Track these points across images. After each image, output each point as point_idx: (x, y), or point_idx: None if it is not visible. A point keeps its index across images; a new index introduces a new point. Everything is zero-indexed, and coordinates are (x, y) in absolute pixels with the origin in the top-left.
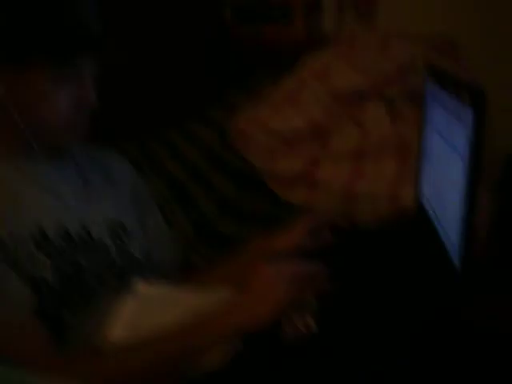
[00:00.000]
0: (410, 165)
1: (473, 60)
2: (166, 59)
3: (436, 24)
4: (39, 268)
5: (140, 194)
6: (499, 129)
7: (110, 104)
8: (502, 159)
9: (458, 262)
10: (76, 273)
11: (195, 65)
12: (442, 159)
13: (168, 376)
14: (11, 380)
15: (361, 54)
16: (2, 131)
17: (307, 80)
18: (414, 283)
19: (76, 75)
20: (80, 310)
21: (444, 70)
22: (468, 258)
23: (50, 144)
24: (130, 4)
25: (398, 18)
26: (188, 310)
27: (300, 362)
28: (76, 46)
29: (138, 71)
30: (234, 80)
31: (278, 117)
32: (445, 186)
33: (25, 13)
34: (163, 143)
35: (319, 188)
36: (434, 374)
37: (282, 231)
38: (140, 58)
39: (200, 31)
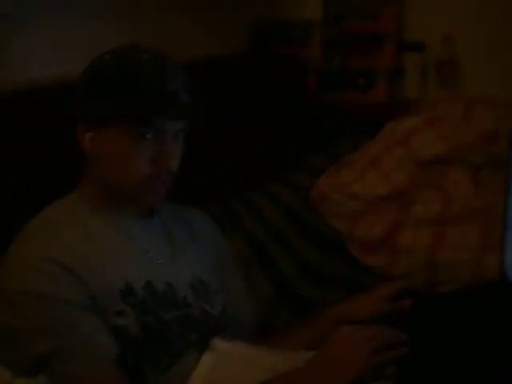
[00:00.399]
0: (494, 232)
1: None
2: (248, 122)
3: None
4: (124, 319)
5: (222, 251)
6: None
7: (193, 165)
8: None
9: None
10: (159, 327)
11: (277, 128)
12: None
13: None
14: None
15: (444, 121)
16: (92, 185)
17: (390, 146)
18: (495, 353)
19: (156, 136)
20: (160, 363)
21: None
22: None
23: (131, 199)
24: (217, 70)
25: (480, 83)
26: (264, 370)
27: None
28: (152, 109)
29: (221, 134)
30: (315, 144)
31: (361, 181)
32: None
33: (107, 76)
34: (244, 203)
35: (400, 253)
36: None
37: (361, 297)
38: (223, 121)
39: (283, 96)
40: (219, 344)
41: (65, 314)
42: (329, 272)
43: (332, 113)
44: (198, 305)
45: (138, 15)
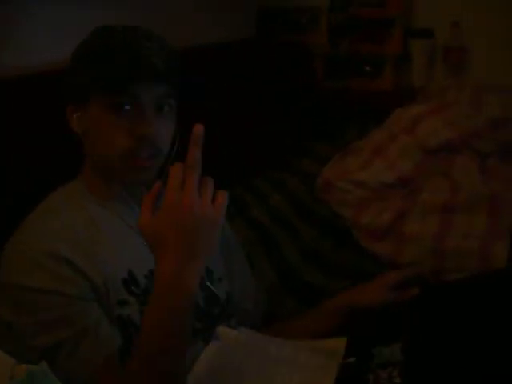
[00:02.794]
0: (502, 220)
1: None
2: (253, 109)
3: None
4: (127, 308)
5: (228, 239)
6: None
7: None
8: None
9: None
10: None
11: (283, 115)
12: None
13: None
14: None
15: (451, 108)
16: (88, 169)
17: (396, 133)
18: (502, 342)
19: (135, 107)
20: None
21: None
22: None
23: (118, 176)
24: (223, 57)
25: (488, 70)
26: (269, 359)
27: None
28: (123, 75)
29: (226, 120)
30: (321, 131)
31: (366, 169)
32: None
33: (80, 53)
34: (249, 190)
35: (407, 241)
36: None
37: (365, 285)
38: (229, 108)
39: (290, 83)
40: (224, 332)
41: (66, 308)
42: (334, 259)
43: (338, 100)
44: (204, 293)
45: (140, 1)
